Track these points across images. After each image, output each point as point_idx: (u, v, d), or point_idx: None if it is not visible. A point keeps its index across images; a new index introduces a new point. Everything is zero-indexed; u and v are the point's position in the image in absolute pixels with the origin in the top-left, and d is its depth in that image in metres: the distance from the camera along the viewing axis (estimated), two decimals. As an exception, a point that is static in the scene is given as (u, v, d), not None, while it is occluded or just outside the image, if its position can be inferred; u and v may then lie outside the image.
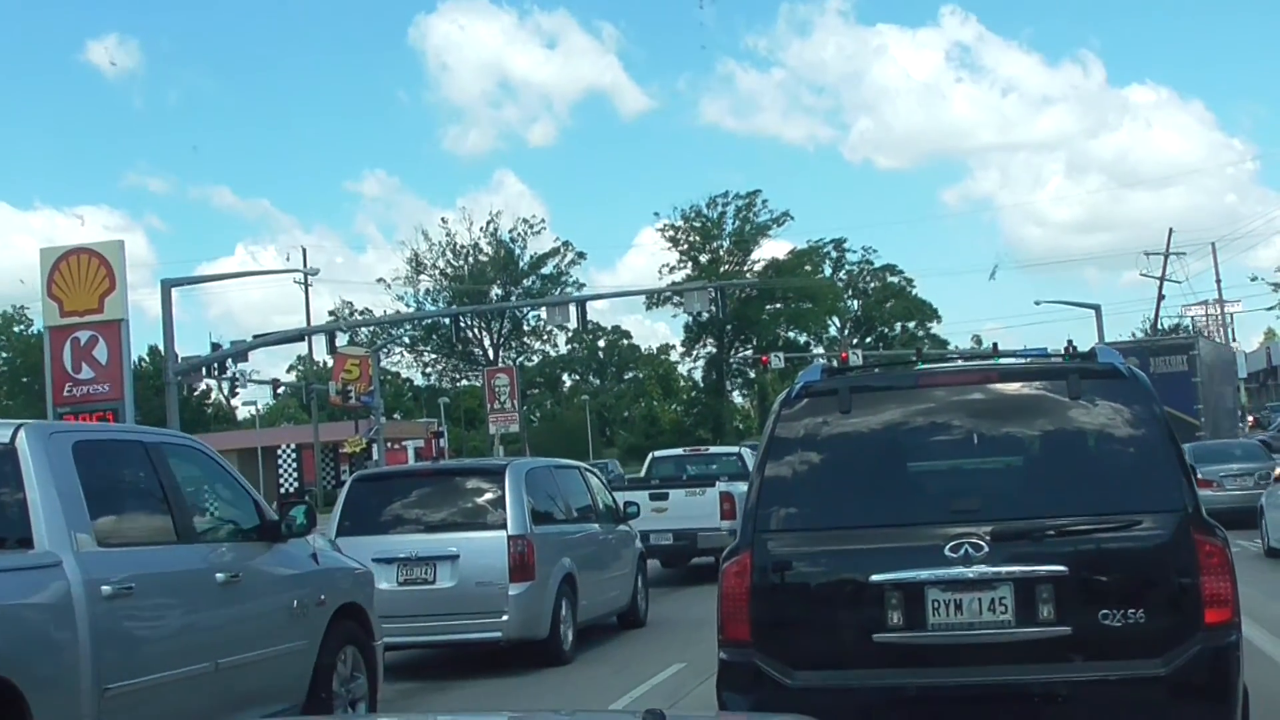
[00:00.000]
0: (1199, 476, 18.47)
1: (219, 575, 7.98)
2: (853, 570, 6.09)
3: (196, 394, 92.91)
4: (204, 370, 47.42)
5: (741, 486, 17.79)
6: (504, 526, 12.90)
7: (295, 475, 79.81)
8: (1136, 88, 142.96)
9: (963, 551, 5.92)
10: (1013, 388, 6.61)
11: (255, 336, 48.98)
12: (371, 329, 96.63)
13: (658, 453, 28.58)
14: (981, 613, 5.92)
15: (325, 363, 70.53)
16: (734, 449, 27.96)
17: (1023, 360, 7.87)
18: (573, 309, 44.05)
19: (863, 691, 6.00)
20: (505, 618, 12.65)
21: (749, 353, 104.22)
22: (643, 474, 25.76)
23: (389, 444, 76.71)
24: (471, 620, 12.71)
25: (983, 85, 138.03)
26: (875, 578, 5.99)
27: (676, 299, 78.67)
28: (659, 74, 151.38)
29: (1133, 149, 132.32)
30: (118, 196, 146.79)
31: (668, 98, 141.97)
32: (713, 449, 30.86)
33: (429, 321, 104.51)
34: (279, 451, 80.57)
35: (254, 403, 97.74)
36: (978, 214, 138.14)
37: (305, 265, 71.07)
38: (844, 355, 74.66)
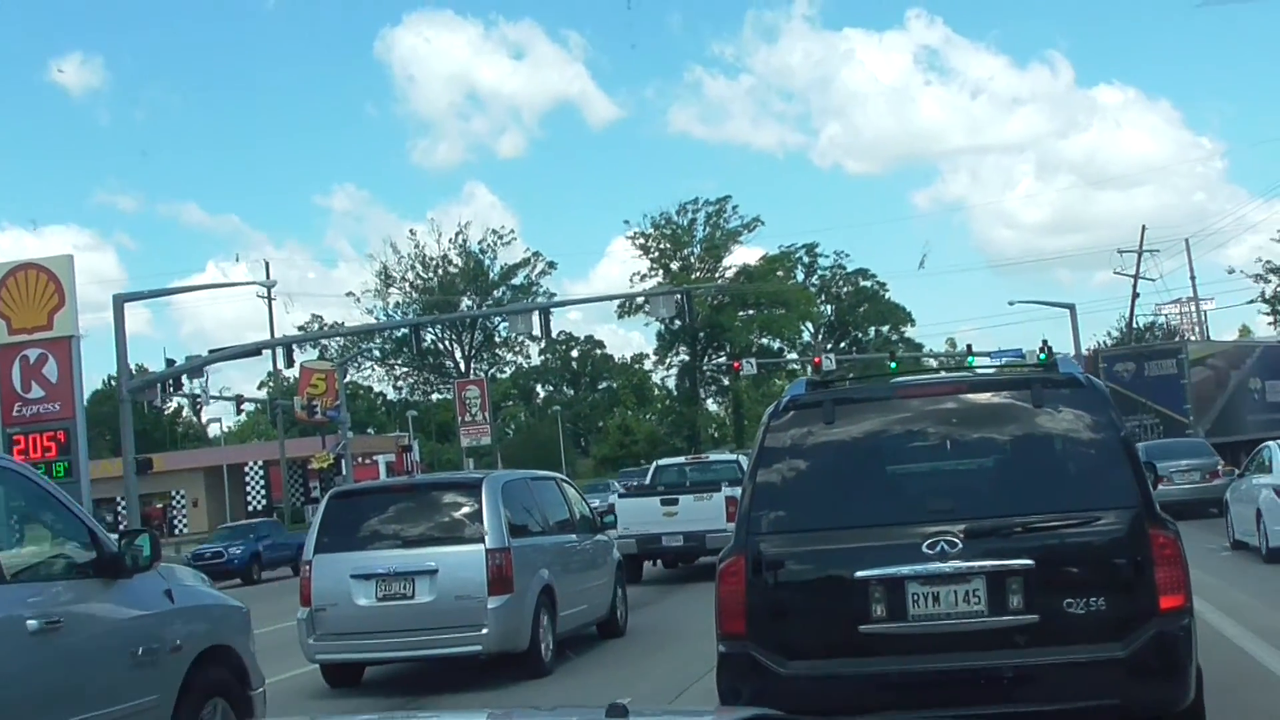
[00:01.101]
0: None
1: (31, 622, 6.70)
2: (839, 567, 6.73)
3: (168, 412, 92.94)
4: (159, 387, 47.07)
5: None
6: (482, 540, 13.03)
7: (263, 492, 79.17)
8: (1104, 88, 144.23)
9: (939, 548, 6.57)
10: (982, 397, 7.29)
11: (211, 351, 48.97)
12: (341, 344, 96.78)
13: (661, 461, 30.46)
14: (957, 604, 6.57)
15: (294, 378, 70.29)
16: (732, 456, 29.57)
17: (992, 370, 8.52)
18: (536, 318, 44.14)
19: (850, 678, 6.64)
20: (484, 631, 12.76)
21: (722, 360, 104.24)
22: (648, 481, 27.02)
23: (359, 459, 75.67)
24: (451, 634, 12.81)
25: (951, 88, 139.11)
26: (860, 574, 6.63)
27: (645, 306, 79.26)
28: (627, 82, 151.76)
29: (1102, 149, 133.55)
30: (87, 215, 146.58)
31: (636, 106, 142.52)
32: (712, 456, 32.19)
33: (399, 334, 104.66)
34: (246, 469, 79.98)
35: (218, 419, 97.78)
36: (949, 216, 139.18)
37: (268, 278, 71.02)
38: (816, 360, 75.38)
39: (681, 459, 31.68)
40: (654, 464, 30.01)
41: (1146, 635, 6.47)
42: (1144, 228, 78.14)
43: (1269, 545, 18.46)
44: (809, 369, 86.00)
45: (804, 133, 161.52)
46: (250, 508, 76.57)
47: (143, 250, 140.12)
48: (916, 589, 6.59)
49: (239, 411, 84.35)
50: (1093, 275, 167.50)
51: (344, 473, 63.16)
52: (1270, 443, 20.66)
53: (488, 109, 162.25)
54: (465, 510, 13.46)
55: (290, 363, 50.63)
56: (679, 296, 49.92)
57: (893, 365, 77.33)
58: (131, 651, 7.43)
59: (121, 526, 47.24)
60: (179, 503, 78.27)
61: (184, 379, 48.02)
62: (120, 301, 41.53)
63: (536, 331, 46.07)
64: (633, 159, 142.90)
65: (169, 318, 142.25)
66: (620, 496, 24.58)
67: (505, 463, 70.15)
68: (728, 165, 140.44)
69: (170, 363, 48.06)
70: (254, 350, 49.18)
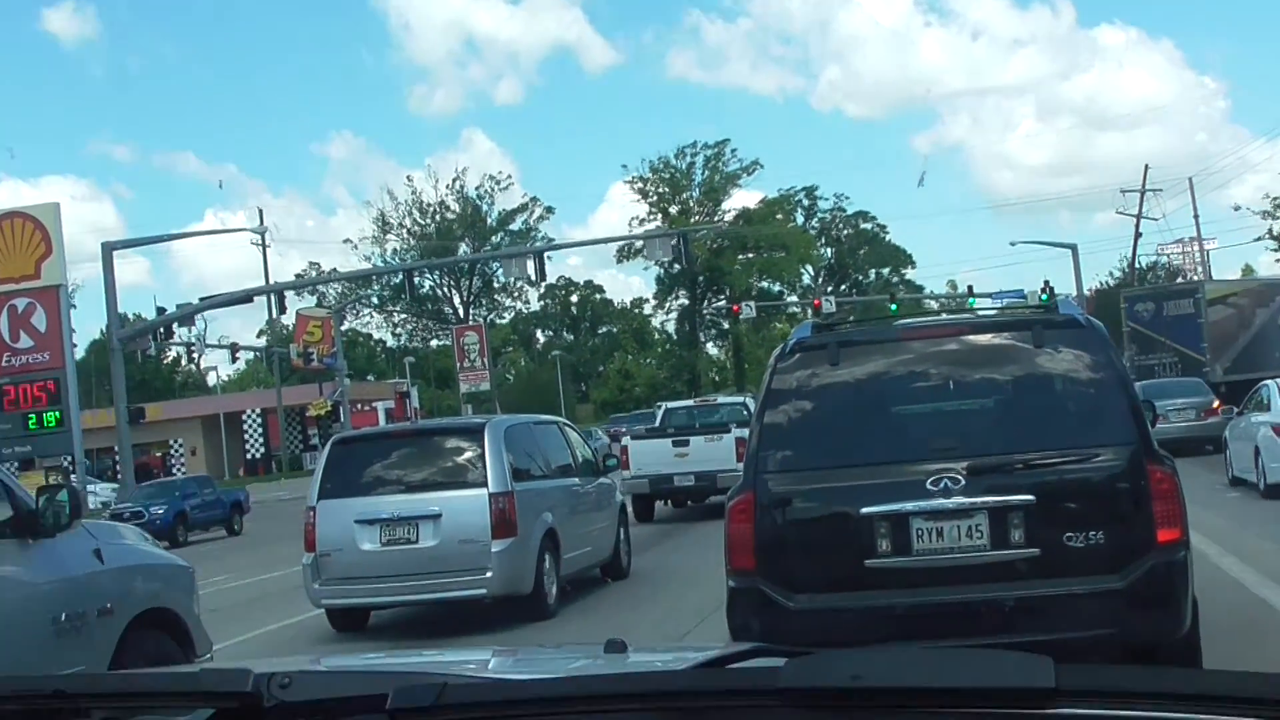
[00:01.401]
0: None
1: None
2: (845, 504, 6.96)
3: (167, 361, 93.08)
4: (151, 336, 46.57)
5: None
6: (485, 484, 13.12)
7: (261, 440, 79.56)
8: (1106, 28, 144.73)
9: (942, 485, 6.79)
10: (984, 338, 7.50)
11: (202, 299, 48.12)
12: (339, 291, 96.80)
13: (671, 404, 31.18)
14: (960, 538, 6.80)
15: (291, 326, 70.28)
16: (739, 399, 29.92)
17: (993, 312, 8.71)
18: (531, 262, 43.85)
19: (857, 611, 6.87)
20: (489, 574, 12.86)
21: (722, 303, 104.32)
22: (658, 423, 27.62)
23: (358, 406, 75.45)
24: (455, 578, 12.90)
25: (951, 29, 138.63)
26: (865, 510, 6.86)
27: (643, 250, 79.28)
28: (625, 27, 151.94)
29: (1103, 90, 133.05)
30: (83, 165, 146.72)
31: (634, 51, 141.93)
32: (720, 399, 32.77)
33: (397, 281, 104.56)
34: (244, 417, 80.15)
35: (214, 368, 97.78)
36: (949, 159, 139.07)
37: (262, 224, 70.85)
38: (816, 303, 75.56)
39: (690, 401, 32.43)
40: (663, 407, 30.66)
41: (1144, 567, 6.69)
42: (1146, 167, 77.90)
43: (1267, 481, 18.76)
44: (809, 312, 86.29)
45: (803, 76, 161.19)
46: (249, 456, 77.30)
47: (140, 200, 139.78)
48: (920, 524, 6.81)
49: (234, 360, 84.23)
50: (1094, 216, 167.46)
51: (342, 420, 62.86)
52: (1269, 381, 20.96)
53: (485, 56, 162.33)
54: (468, 455, 13.57)
55: (283, 310, 49.87)
56: (676, 239, 49.30)
57: (893, 307, 77.82)
58: (54, 617, 6.91)
59: (119, 477, 47.45)
60: (177, 452, 78.40)
61: (176, 327, 47.57)
62: (109, 250, 41.17)
63: (532, 275, 45.56)
64: (631, 105, 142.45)
65: (169, 268, 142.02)
66: (634, 439, 25.06)
67: (504, 408, 70.11)
68: (726, 110, 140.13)
69: (161, 311, 47.67)
70: (245, 297, 48.49)
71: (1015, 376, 7.24)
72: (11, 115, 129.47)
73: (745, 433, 20.96)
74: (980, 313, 11.67)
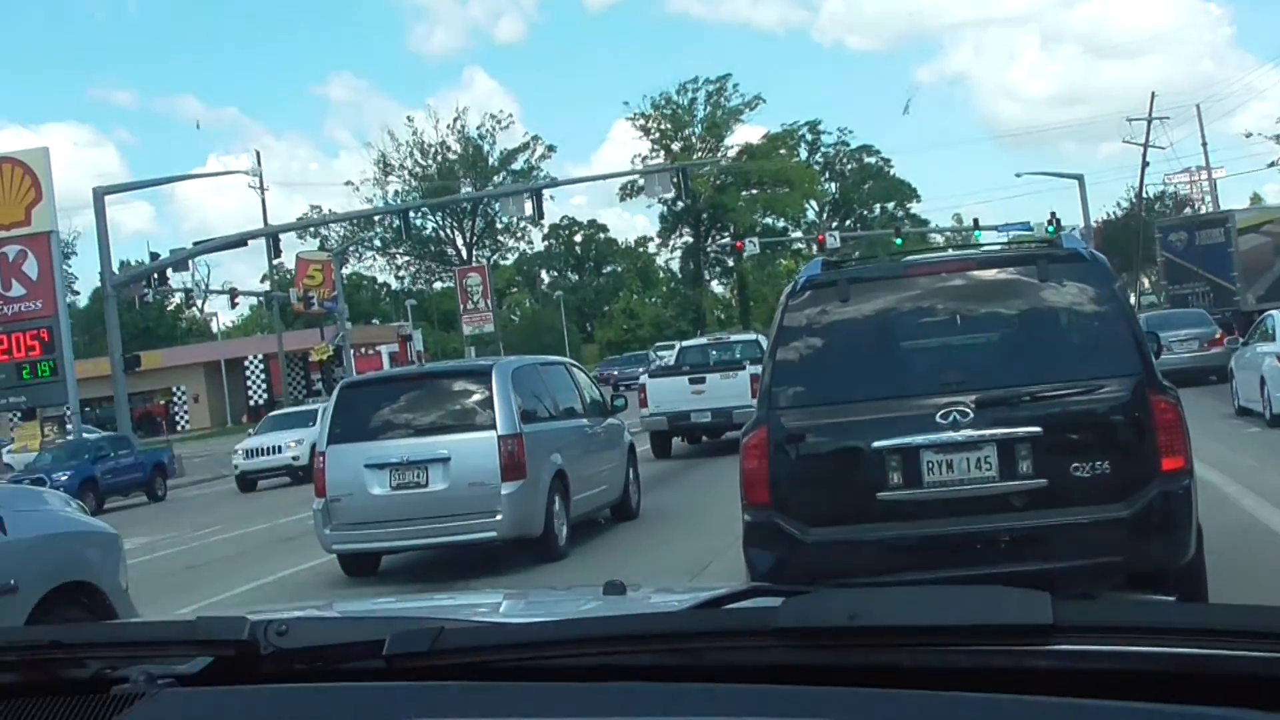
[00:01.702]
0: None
1: None
2: (857, 438, 7.16)
3: (170, 308, 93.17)
4: (146, 282, 45.90)
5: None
6: (493, 426, 13.23)
7: (264, 387, 78.95)
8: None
9: (951, 418, 6.99)
10: (990, 273, 7.67)
11: (196, 243, 47.32)
12: (341, 234, 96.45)
13: (686, 342, 32.27)
14: (969, 470, 7.00)
15: (294, 271, 70.07)
16: (752, 335, 30.63)
17: (999, 247, 8.87)
18: (529, 201, 43.41)
19: (869, 543, 7.09)
20: (499, 517, 12.97)
21: (726, 240, 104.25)
22: (673, 361, 28.41)
23: (362, 350, 75.41)
24: (465, 521, 13.01)
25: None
26: (877, 444, 7.05)
27: (643, 186, 78.94)
28: None
29: (1107, 18, 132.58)
30: (84, 111, 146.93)
31: None
32: (734, 336, 33.11)
33: (399, 223, 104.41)
34: (246, 363, 79.68)
35: (213, 314, 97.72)
36: (952, 90, 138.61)
37: (258, 167, 70.51)
38: (820, 238, 75.61)
39: (705, 339, 32.87)
40: (677, 345, 31.72)
41: (1149, 496, 6.89)
42: (1153, 95, 77.13)
43: (1272, 411, 18.98)
44: (814, 247, 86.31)
45: (805, 8, 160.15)
46: (252, 402, 76.77)
47: (143, 145, 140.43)
48: (931, 457, 7.01)
49: (233, 305, 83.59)
50: (1099, 147, 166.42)
51: (344, 364, 62.43)
52: (1273, 311, 21.15)
53: None
54: (476, 398, 13.68)
55: (278, 253, 49.40)
56: (675, 174, 48.26)
57: (898, 242, 77.83)
58: None
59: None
60: (180, 399, 78.51)
61: (171, 272, 46.86)
62: (101, 194, 40.70)
63: (530, 214, 45.29)
64: (632, 41, 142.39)
65: (172, 214, 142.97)
66: (651, 377, 25.73)
67: (508, 350, 69.87)
68: (729, 45, 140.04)
69: (155, 256, 47.21)
70: (239, 241, 47.44)
71: (1021, 310, 7.41)
72: (11, 61, 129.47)
73: (759, 369, 21.55)
74: (986, 248, 11.87)
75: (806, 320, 7.44)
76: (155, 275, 45.54)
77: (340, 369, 61.16)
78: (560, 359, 18.10)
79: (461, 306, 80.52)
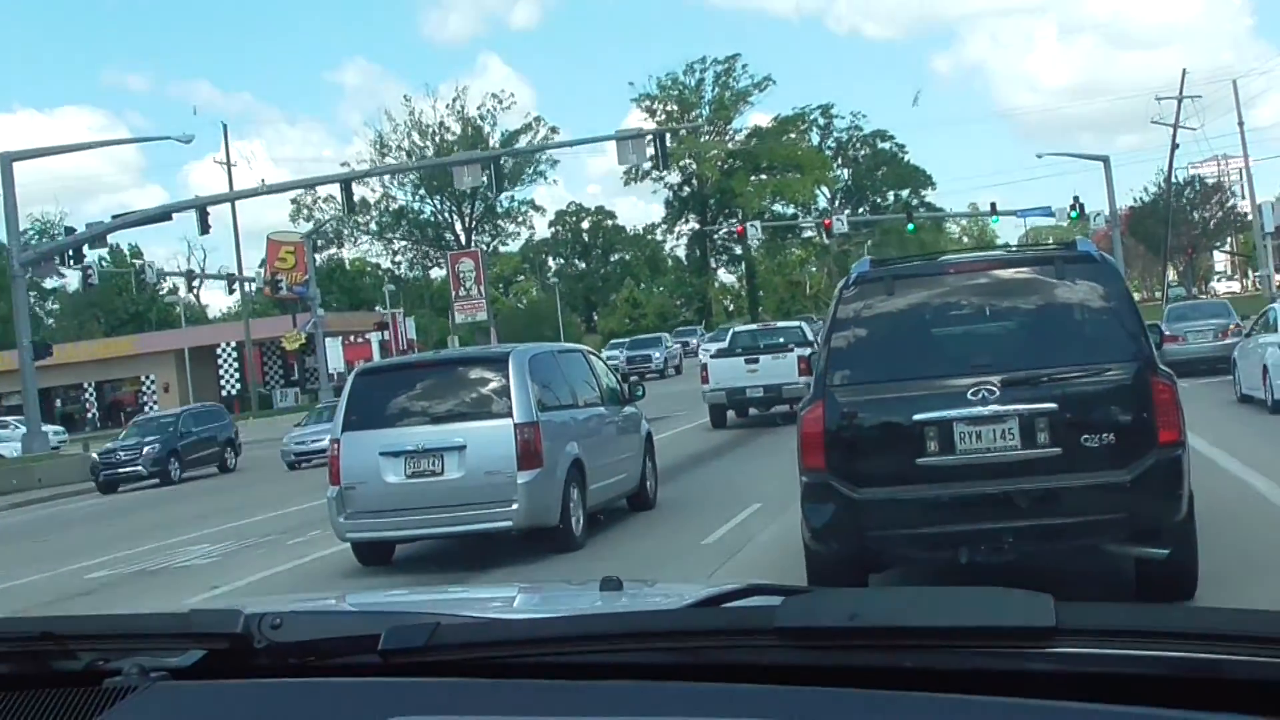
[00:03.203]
0: (1167, 333, 23.53)
1: None
2: (900, 413, 8.80)
3: (163, 293, 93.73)
4: (59, 259, 44.90)
5: (809, 351, 23.65)
6: (510, 414, 13.58)
7: (237, 376, 78.26)
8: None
9: (980, 395, 8.63)
10: (1013, 272, 9.37)
11: (114, 217, 45.55)
12: (332, 221, 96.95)
13: (737, 327, 37.38)
14: (995, 440, 8.64)
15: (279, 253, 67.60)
16: (795, 323, 36.28)
17: (1022, 249, 10.55)
18: (489, 170, 41.56)
19: (910, 501, 8.73)
20: (515, 506, 13.30)
21: (732, 227, 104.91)
22: (727, 344, 33.11)
23: (351, 338, 75.13)
24: (481, 510, 13.33)
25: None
26: (916, 417, 8.70)
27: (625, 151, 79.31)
28: None
29: (1125, 8, 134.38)
30: (99, 96, 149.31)
31: None
32: (779, 324, 38.76)
33: (395, 207, 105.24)
34: (218, 351, 78.78)
35: (176, 301, 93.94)
36: (969, 80, 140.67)
37: (226, 144, 68.82)
38: (827, 223, 77.34)
39: (754, 325, 38.64)
40: (730, 330, 36.76)
41: (1148, 463, 8.51)
42: (1184, 72, 78.20)
43: (1274, 398, 20.74)
44: (821, 232, 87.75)
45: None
46: (225, 392, 75.48)
47: (158, 130, 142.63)
48: (963, 429, 8.65)
49: (191, 289, 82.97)
50: (1116, 138, 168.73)
51: (318, 353, 61.58)
52: (1275, 304, 22.98)
53: None
54: (492, 385, 14.05)
55: (206, 228, 45.84)
56: (651, 138, 45.80)
57: (910, 227, 79.48)
58: None
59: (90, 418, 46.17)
60: (149, 388, 77.75)
61: (87, 249, 45.50)
62: (9, 161, 40.32)
63: (481, 182, 43.65)
64: (649, 28, 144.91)
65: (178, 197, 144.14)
66: (712, 357, 30.62)
67: (502, 339, 70.01)
68: (743, 33, 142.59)
69: (69, 231, 45.44)
70: (163, 215, 45.61)
71: (1040, 304, 9.08)
72: (26, 47, 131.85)
73: (805, 351, 24.95)
74: (1011, 249, 13.74)
75: (856, 311, 9.11)
76: (69, 251, 44.00)
77: (313, 358, 60.24)
78: (577, 346, 18.89)
79: (454, 293, 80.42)
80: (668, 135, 37.63)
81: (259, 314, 78.08)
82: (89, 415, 78.38)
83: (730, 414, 29.66)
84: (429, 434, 13.72)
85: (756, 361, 28.80)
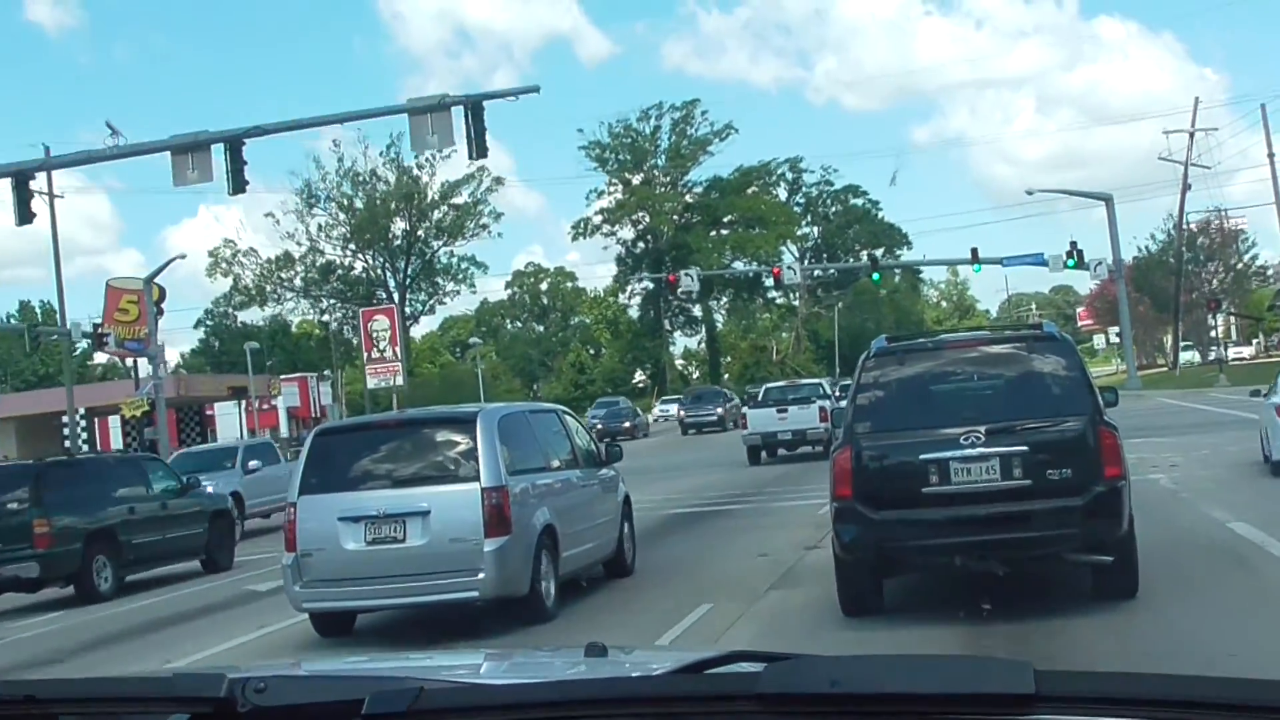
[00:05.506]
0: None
1: None
2: (910, 454, 12.89)
3: (76, 352, 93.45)
4: None
5: (827, 404, 39.45)
6: (477, 478, 13.95)
7: (86, 448, 64.90)
8: (1105, 20, 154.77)
9: (970, 440, 12.69)
10: (996, 348, 13.75)
11: None
12: (256, 275, 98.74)
13: (770, 384, 48.23)
14: (981, 474, 12.69)
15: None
16: (817, 380, 51.63)
17: (1003, 333, 15.03)
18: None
19: (917, 520, 12.79)
20: (481, 575, 13.65)
21: (690, 285, 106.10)
22: (760, 398, 43.36)
23: (262, 405, 74.07)
24: (446, 579, 13.68)
25: (953, 19, 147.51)
26: (922, 456, 12.78)
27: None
28: (620, 18, 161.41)
29: (1103, 83, 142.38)
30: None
31: (630, 41, 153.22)
32: (803, 381, 52.97)
33: (321, 263, 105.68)
34: (65, 419, 66.12)
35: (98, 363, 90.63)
36: (947, 151, 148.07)
37: (50, 191, 55.48)
38: (775, 271, 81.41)
39: (783, 382, 48.48)
40: (764, 386, 45.41)
41: (1096, 491, 12.53)
42: (1197, 100, 78.64)
43: (1271, 459, 23.99)
44: (771, 280, 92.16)
45: (801, 67, 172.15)
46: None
47: (133, 193, 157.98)
48: (957, 465, 12.71)
49: (99, 346, 69.97)
50: (1092, 213, 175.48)
51: (156, 424, 55.70)
52: None
53: (478, 46, 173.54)
54: (459, 447, 14.44)
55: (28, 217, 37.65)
56: (467, 110, 33.94)
57: (875, 277, 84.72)
58: None
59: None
60: None
61: None
62: None
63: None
64: (627, 96, 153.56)
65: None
66: (749, 408, 42.46)
67: (408, 406, 67.19)
68: (724, 103, 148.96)
69: None
70: None
71: (1016, 372, 13.34)
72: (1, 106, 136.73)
73: (826, 403, 36.63)
74: (992, 331, 18.57)
75: (875, 377, 13.35)
76: None
77: (150, 429, 54.30)
78: (553, 406, 19.36)
79: (365, 354, 79.31)
80: (484, 103, 32.31)
81: (197, 367, 77.62)
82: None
83: (763, 454, 39.85)
84: (391, 498, 14.12)
85: (786, 411, 40.20)
